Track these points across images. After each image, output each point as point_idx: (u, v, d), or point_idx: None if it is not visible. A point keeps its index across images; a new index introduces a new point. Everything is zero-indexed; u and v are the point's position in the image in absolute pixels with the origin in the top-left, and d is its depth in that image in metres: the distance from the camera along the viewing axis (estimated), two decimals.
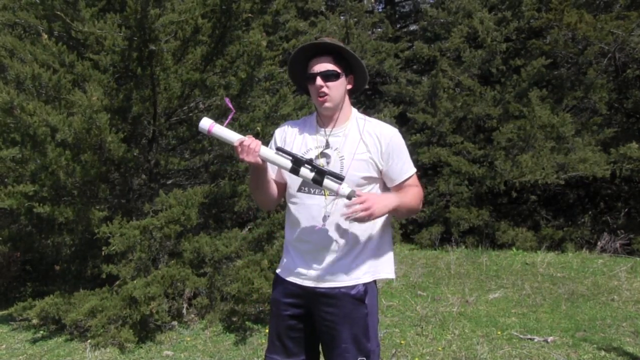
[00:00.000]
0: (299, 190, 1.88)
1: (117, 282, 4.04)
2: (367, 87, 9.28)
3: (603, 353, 3.56)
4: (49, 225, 4.23)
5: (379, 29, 9.33)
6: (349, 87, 1.90)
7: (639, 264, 5.72)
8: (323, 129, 1.90)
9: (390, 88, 8.29)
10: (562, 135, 6.58)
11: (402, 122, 8.04)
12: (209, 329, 4.15)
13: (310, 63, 1.85)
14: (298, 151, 1.86)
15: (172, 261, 4.12)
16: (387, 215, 1.83)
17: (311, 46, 1.84)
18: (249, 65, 4.01)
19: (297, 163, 1.73)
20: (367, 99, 9.26)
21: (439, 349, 3.68)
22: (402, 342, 3.80)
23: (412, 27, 10.16)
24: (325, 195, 1.83)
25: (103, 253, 3.70)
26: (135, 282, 3.81)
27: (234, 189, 4.32)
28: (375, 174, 1.86)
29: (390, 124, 1.94)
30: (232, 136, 1.77)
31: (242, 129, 4.32)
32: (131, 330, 3.80)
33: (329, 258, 1.85)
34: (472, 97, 7.45)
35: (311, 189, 1.85)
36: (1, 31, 4.23)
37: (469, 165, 7.12)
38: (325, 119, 1.90)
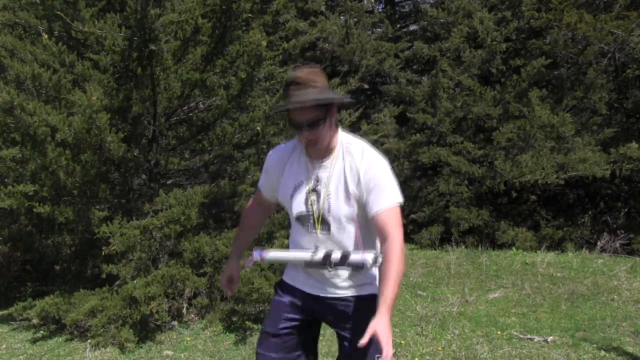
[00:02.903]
0: (297, 221, 1.90)
1: (117, 282, 4.04)
2: (367, 87, 9.31)
3: (603, 353, 3.56)
4: (49, 225, 4.23)
5: (379, 29, 9.32)
6: (334, 117, 1.80)
7: (638, 264, 5.72)
8: (311, 163, 1.85)
9: (390, 88, 8.28)
10: (562, 135, 6.58)
11: (402, 122, 8.04)
12: (209, 328, 4.16)
13: (292, 110, 1.74)
14: (291, 186, 1.87)
15: (172, 261, 4.12)
16: (375, 239, 1.83)
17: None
18: (249, 65, 4.01)
19: (324, 266, 1.81)
20: (367, 99, 9.26)
21: (439, 348, 3.68)
22: (402, 342, 3.80)
23: (412, 27, 10.15)
24: (317, 230, 1.84)
25: (103, 253, 3.71)
26: (135, 282, 3.81)
27: (234, 189, 4.32)
28: (356, 211, 1.80)
29: (378, 153, 1.83)
30: (284, 256, 1.95)
31: (242, 129, 4.33)
32: (131, 330, 3.81)
33: (332, 280, 1.87)
34: (472, 97, 7.45)
35: (305, 224, 1.86)
36: (1, 31, 4.24)
37: (468, 165, 7.12)
38: (314, 155, 1.86)
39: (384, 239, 1.70)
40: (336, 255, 1.78)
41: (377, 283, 1.89)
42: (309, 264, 1.83)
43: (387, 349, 1.53)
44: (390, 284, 1.63)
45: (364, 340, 1.52)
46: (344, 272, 1.85)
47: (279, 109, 1.79)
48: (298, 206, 1.85)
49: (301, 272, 1.94)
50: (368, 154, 1.79)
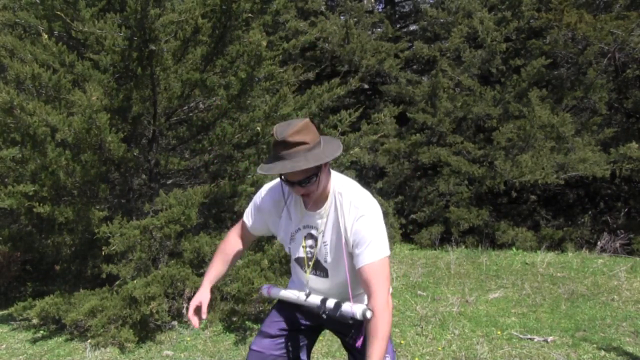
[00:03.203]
0: (295, 262, 1.94)
1: (117, 282, 4.04)
2: (367, 87, 9.30)
3: (603, 353, 3.56)
4: (49, 225, 4.23)
5: (379, 29, 9.32)
6: (326, 168, 1.76)
7: (638, 264, 5.71)
8: (307, 209, 1.84)
9: (390, 88, 8.28)
10: (562, 135, 6.58)
11: (402, 122, 8.04)
12: (209, 328, 4.16)
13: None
14: (289, 231, 1.88)
15: (172, 261, 4.12)
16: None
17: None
18: (249, 65, 4.01)
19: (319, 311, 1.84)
20: (367, 99, 9.26)
21: (439, 348, 3.68)
22: (402, 342, 3.80)
23: (412, 27, 10.15)
24: (307, 274, 1.88)
25: (103, 253, 3.71)
26: (135, 282, 3.81)
27: (234, 189, 4.32)
28: (348, 262, 1.81)
29: (368, 197, 1.79)
30: (289, 295, 1.95)
31: (242, 129, 4.33)
32: (131, 330, 3.81)
33: (338, 297, 1.88)
34: (472, 97, 7.45)
35: (303, 267, 1.90)
36: (1, 31, 4.24)
37: (468, 165, 7.12)
38: (307, 201, 1.85)
39: (369, 295, 1.71)
40: (330, 303, 1.82)
41: None
42: (304, 305, 1.89)
43: None
44: (376, 344, 1.64)
45: None
46: (347, 291, 1.86)
47: (268, 174, 1.68)
48: (296, 251, 1.88)
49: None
50: (356, 206, 1.75)
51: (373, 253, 1.70)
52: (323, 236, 1.81)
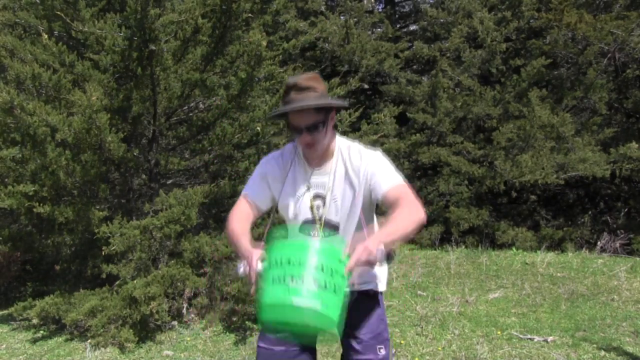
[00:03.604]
0: (300, 231, 1.87)
1: (117, 282, 4.04)
2: (367, 87, 9.31)
3: (603, 353, 3.56)
4: (49, 225, 4.23)
5: (379, 29, 9.33)
6: (332, 121, 1.81)
7: (638, 264, 5.71)
8: (311, 168, 1.85)
9: (390, 88, 8.28)
10: (562, 135, 6.58)
11: (402, 122, 8.04)
12: (209, 328, 4.15)
13: (291, 114, 1.75)
14: (291, 194, 1.86)
15: (172, 261, 4.12)
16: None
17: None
18: (249, 65, 4.01)
19: None
20: (367, 99, 9.26)
21: (439, 348, 3.68)
22: (402, 342, 3.80)
23: (412, 27, 10.16)
24: (319, 231, 1.84)
25: (103, 253, 3.71)
26: (135, 282, 3.81)
27: (234, 189, 4.32)
28: (366, 206, 1.82)
29: (372, 147, 1.85)
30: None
31: (242, 129, 4.33)
32: (131, 330, 3.81)
33: None
34: (472, 97, 7.45)
35: (311, 231, 1.85)
36: (1, 31, 4.24)
37: (468, 165, 7.12)
38: (312, 159, 1.86)
39: (399, 205, 1.68)
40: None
41: (377, 282, 1.92)
42: None
43: (357, 259, 1.50)
44: (396, 222, 1.61)
45: (350, 263, 1.50)
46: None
47: (279, 112, 1.76)
48: (303, 213, 1.84)
49: None
50: (365, 153, 1.82)
51: (394, 177, 1.75)
52: (332, 192, 1.82)
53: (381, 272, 1.95)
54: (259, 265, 1.59)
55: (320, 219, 1.82)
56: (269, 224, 2.00)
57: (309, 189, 1.85)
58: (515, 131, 6.91)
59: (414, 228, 1.64)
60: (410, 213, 1.65)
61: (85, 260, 4.45)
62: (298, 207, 1.85)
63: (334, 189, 1.82)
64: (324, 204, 1.82)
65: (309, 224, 1.85)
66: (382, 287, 1.96)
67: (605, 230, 6.84)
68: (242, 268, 1.75)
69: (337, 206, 1.81)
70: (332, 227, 1.82)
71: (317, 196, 1.84)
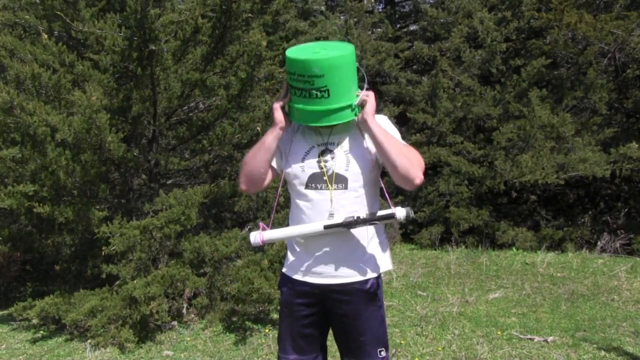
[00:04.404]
0: (307, 187, 1.86)
1: (117, 282, 4.04)
2: (367, 87, 9.29)
3: (603, 353, 3.56)
4: (49, 225, 4.23)
5: (379, 29, 9.32)
6: None
7: (639, 264, 5.72)
8: (321, 128, 1.89)
9: (390, 88, 8.28)
10: (562, 135, 6.57)
11: (402, 122, 8.04)
12: (209, 329, 4.16)
13: None
14: (301, 152, 1.87)
15: (172, 261, 4.12)
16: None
17: None
18: (249, 65, 4.01)
19: (349, 226, 1.80)
20: None
21: (439, 349, 3.68)
22: (402, 342, 3.80)
23: (412, 27, 10.15)
24: (330, 189, 1.83)
25: (103, 253, 3.71)
26: (135, 282, 3.81)
27: (234, 189, 4.32)
28: (374, 167, 1.87)
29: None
30: (283, 233, 1.90)
31: (242, 129, 4.33)
32: (131, 330, 3.81)
33: (340, 254, 1.87)
34: (472, 97, 7.45)
35: (318, 184, 1.84)
36: (1, 31, 4.24)
37: (469, 165, 7.12)
38: None
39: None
40: (361, 214, 1.82)
41: (379, 263, 1.93)
42: (328, 227, 1.80)
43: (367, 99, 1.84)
44: (397, 143, 1.83)
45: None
46: (350, 245, 1.86)
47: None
48: (311, 167, 1.85)
49: (303, 256, 1.92)
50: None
51: (399, 139, 1.86)
52: (342, 147, 1.86)
53: (379, 255, 1.94)
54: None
55: (328, 172, 1.84)
56: (278, 189, 2.18)
57: (318, 145, 1.88)
58: (515, 131, 6.91)
59: (402, 164, 1.76)
60: (411, 161, 1.78)
61: (85, 260, 4.45)
62: (306, 162, 1.87)
63: (344, 143, 1.87)
64: (333, 157, 1.85)
65: (317, 177, 1.85)
66: (384, 267, 1.94)
67: (605, 230, 6.83)
68: (256, 237, 1.87)
69: (347, 159, 1.84)
70: (340, 181, 1.83)
71: (327, 151, 1.87)
